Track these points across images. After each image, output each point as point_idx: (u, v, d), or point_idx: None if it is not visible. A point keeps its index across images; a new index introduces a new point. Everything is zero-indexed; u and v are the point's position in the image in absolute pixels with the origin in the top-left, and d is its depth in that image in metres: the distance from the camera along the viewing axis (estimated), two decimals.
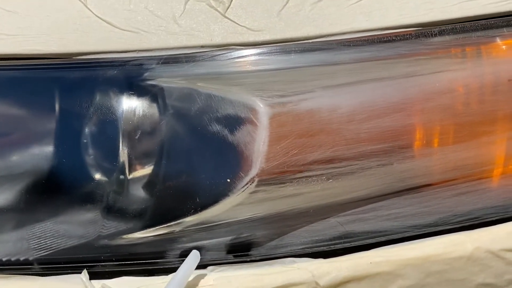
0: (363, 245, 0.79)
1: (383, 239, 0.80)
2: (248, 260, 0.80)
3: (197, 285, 0.77)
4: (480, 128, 0.78)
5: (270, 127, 0.76)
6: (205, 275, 0.78)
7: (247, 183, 0.76)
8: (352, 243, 0.79)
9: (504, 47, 0.80)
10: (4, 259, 0.81)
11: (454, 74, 0.78)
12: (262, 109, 0.76)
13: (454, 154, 0.78)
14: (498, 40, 0.81)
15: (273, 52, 0.80)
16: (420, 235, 0.80)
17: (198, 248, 0.80)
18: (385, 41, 0.81)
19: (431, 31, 0.81)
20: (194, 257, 0.76)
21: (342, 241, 0.79)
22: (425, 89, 0.77)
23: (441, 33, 0.81)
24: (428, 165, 0.78)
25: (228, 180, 0.76)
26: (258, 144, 0.76)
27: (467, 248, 0.77)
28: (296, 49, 0.80)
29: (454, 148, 0.78)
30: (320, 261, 0.78)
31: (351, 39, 0.81)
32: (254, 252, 0.79)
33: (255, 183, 0.76)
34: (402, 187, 0.78)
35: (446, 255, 0.77)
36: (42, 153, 0.78)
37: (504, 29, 0.81)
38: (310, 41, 0.81)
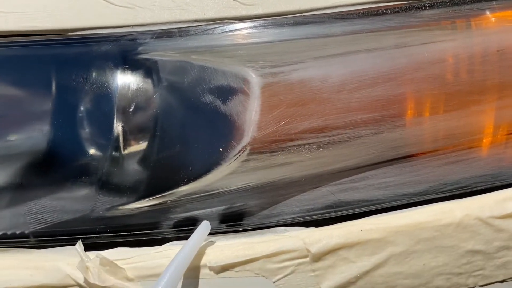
0: (354, 214, 0.80)
1: (374, 207, 0.80)
2: (241, 229, 0.80)
3: None
4: (470, 98, 0.79)
5: (262, 97, 0.77)
6: None
7: (239, 152, 0.76)
8: (343, 212, 0.80)
9: (493, 19, 0.81)
10: (0, 233, 0.81)
11: (444, 45, 0.79)
12: (254, 79, 0.77)
13: (444, 123, 0.79)
14: (488, 12, 0.82)
15: (265, 26, 0.81)
16: (410, 204, 0.81)
17: (192, 219, 0.80)
18: (376, 14, 0.81)
19: (422, 4, 0.82)
20: (205, 227, 0.77)
21: (333, 210, 0.80)
22: (415, 59, 0.78)
23: (431, 6, 0.82)
24: (418, 134, 0.79)
25: (221, 149, 0.77)
26: (250, 114, 0.76)
27: (456, 216, 0.78)
28: (288, 22, 0.81)
29: (443, 118, 0.79)
30: (312, 229, 0.78)
31: (343, 12, 0.82)
32: (246, 221, 0.80)
33: (246, 151, 0.76)
34: (393, 156, 0.79)
35: (435, 222, 0.77)
36: (38, 128, 0.79)
37: (494, 2, 0.82)
38: (302, 14, 0.82)
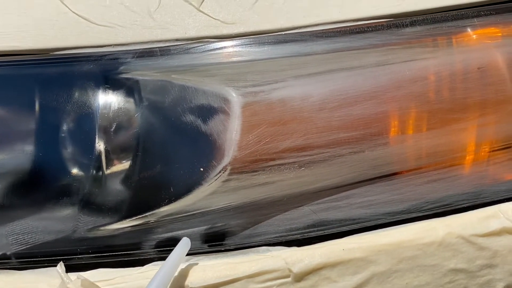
0: (336, 233, 0.79)
1: (356, 226, 0.80)
2: (223, 249, 0.80)
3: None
4: (451, 115, 0.79)
5: (243, 116, 0.76)
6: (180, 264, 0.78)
7: (219, 172, 0.76)
8: (325, 231, 0.80)
9: (474, 36, 0.81)
10: None
11: (425, 63, 0.79)
12: (235, 98, 0.77)
13: (426, 141, 0.79)
14: (469, 30, 0.82)
15: (247, 44, 0.81)
16: (392, 222, 0.80)
17: (174, 239, 0.80)
18: (357, 32, 0.82)
19: (403, 22, 0.82)
20: (184, 244, 0.77)
21: (315, 229, 0.80)
22: (396, 77, 0.78)
23: (412, 23, 0.82)
24: (399, 153, 0.79)
25: (201, 169, 0.76)
26: (231, 133, 0.76)
27: (438, 234, 0.77)
28: (270, 41, 0.81)
29: (425, 135, 0.79)
30: (294, 249, 0.78)
31: (324, 30, 0.82)
32: (228, 241, 0.80)
33: (227, 171, 0.76)
34: (374, 174, 0.79)
35: (418, 240, 0.77)
36: (19, 149, 0.78)
37: (475, 19, 0.82)
38: (283, 33, 0.82)
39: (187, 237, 0.79)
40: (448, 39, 0.81)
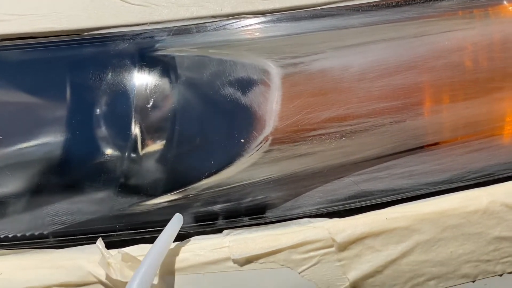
0: (378, 204, 0.79)
1: (398, 197, 0.79)
2: (264, 222, 0.79)
3: (212, 248, 0.76)
4: (491, 85, 0.79)
5: (283, 87, 0.76)
6: (220, 238, 0.77)
7: (261, 142, 0.76)
8: (367, 202, 0.79)
9: (510, 8, 0.81)
10: (18, 235, 0.80)
11: (463, 33, 0.79)
12: (274, 70, 0.77)
13: (466, 110, 0.78)
14: (505, 2, 0.81)
15: (283, 19, 0.81)
16: (434, 193, 0.80)
17: (213, 213, 0.79)
18: (393, 6, 0.82)
19: None
20: (177, 220, 0.76)
21: (357, 200, 0.79)
22: (436, 48, 0.78)
23: None
24: (440, 122, 0.78)
25: (242, 141, 0.76)
26: (271, 104, 0.76)
27: (482, 202, 0.77)
28: (306, 15, 0.81)
29: (465, 105, 0.78)
30: (336, 219, 0.77)
31: (360, 5, 0.82)
32: (269, 214, 0.79)
33: (269, 141, 0.76)
34: (416, 144, 0.78)
35: (461, 209, 0.76)
36: (57, 130, 0.78)
37: None
38: (319, 7, 0.82)
39: (227, 210, 0.78)
40: (485, 11, 0.81)
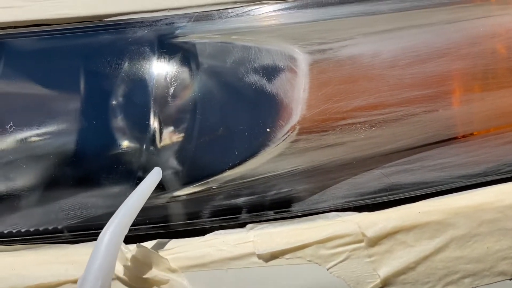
0: (409, 197, 0.76)
1: (430, 190, 0.76)
2: (289, 216, 0.76)
3: (236, 243, 0.73)
4: None
5: (311, 74, 0.73)
6: (243, 232, 0.74)
7: (288, 132, 0.73)
8: (397, 196, 0.76)
9: None
10: (32, 229, 0.77)
11: (499, 19, 0.76)
12: (301, 56, 0.74)
13: (502, 100, 0.75)
14: None
15: (309, 5, 0.78)
16: (468, 186, 0.76)
17: (236, 206, 0.76)
18: None
19: None
20: (156, 173, 0.73)
21: (387, 193, 0.76)
22: (470, 34, 0.75)
23: None
24: (475, 112, 0.75)
25: (268, 130, 0.73)
26: (299, 92, 0.73)
27: None
28: (333, 1, 0.78)
29: (501, 94, 0.75)
30: (366, 213, 0.74)
31: None
32: (295, 207, 0.76)
33: (296, 131, 0.73)
34: (448, 135, 0.75)
35: (498, 203, 0.73)
36: (74, 120, 0.75)
37: None
38: None
39: (250, 204, 0.75)
40: None
